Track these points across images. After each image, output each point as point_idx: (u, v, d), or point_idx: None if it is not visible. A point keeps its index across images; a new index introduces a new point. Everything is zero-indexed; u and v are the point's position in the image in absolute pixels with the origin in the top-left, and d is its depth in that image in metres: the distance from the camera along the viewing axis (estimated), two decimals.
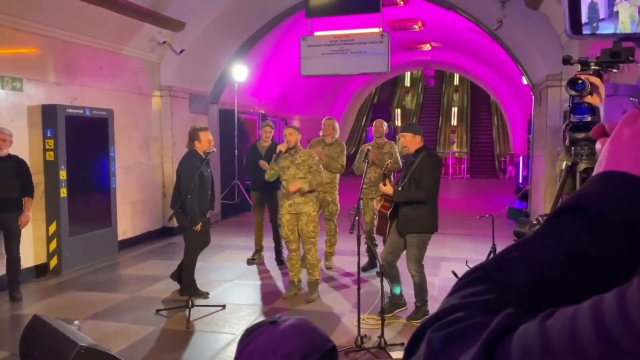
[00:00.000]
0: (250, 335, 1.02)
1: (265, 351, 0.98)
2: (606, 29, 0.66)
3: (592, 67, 2.41)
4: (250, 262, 7.16)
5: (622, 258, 0.49)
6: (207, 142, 5.49)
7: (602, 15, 0.66)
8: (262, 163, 6.68)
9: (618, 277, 0.47)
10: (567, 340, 0.40)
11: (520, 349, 0.42)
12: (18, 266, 5.72)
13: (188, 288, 5.42)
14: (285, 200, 5.56)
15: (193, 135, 5.53)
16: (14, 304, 5.55)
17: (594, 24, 0.66)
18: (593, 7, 0.66)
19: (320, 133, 6.82)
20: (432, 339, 0.48)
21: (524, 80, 10.56)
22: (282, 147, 5.56)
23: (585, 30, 0.66)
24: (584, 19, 0.66)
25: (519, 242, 0.54)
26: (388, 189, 4.71)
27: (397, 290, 4.95)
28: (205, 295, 5.73)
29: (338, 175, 6.66)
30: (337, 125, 6.79)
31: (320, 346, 1.00)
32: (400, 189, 4.75)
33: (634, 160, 0.51)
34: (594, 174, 0.55)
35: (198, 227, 5.40)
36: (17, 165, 5.61)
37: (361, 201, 4.77)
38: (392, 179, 4.94)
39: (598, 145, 0.61)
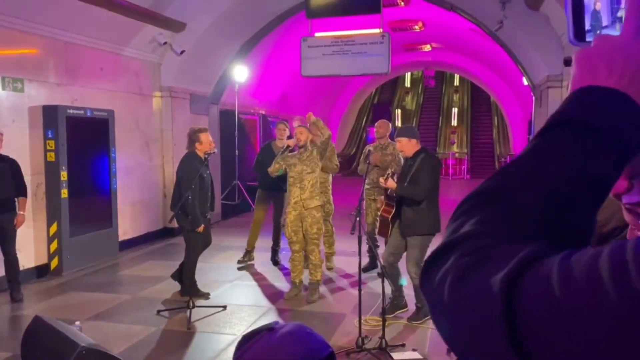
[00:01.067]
0: (247, 343, 1.02)
1: (266, 358, 0.98)
2: (614, 31, 0.66)
3: None
4: (240, 263, 7.08)
5: (617, 169, 0.51)
6: (208, 144, 5.51)
7: (605, 22, 0.66)
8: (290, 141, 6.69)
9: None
10: (588, 280, 0.41)
11: (543, 282, 0.42)
12: (16, 266, 5.71)
13: (189, 289, 5.43)
14: (292, 199, 5.56)
15: (193, 137, 5.52)
16: (15, 304, 5.55)
17: (597, 31, 0.66)
18: (596, 15, 0.66)
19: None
20: (458, 264, 0.48)
21: (525, 81, 10.57)
22: (290, 142, 5.60)
23: (589, 37, 0.66)
24: (587, 26, 0.66)
25: (518, 160, 0.54)
26: (391, 183, 4.70)
27: (403, 282, 4.94)
28: (206, 295, 5.73)
29: (330, 176, 6.67)
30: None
31: (318, 353, 0.99)
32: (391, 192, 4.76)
33: (605, 72, 0.53)
34: (569, 91, 0.56)
35: (201, 228, 5.41)
36: (9, 166, 5.56)
37: (363, 202, 4.78)
38: (395, 178, 4.93)
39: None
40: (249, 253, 7.18)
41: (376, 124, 6.66)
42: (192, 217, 5.34)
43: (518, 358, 0.42)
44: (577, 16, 0.66)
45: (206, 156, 5.48)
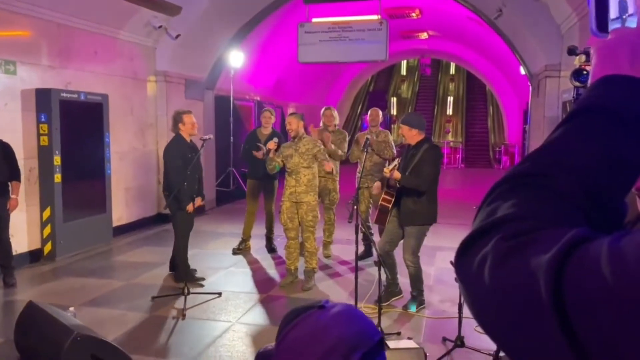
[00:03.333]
0: (296, 320, 0.98)
1: (313, 337, 0.94)
2: (634, 22, 0.66)
3: None
4: (235, 251, 7.04)
5: None
6: (191, 125, 5.57)
7: (630, 10, 0.66)
8: (257, 154, 6.58)
9: None
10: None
11: (594, 264, 0.42)
12: (9, 251, 5.66)
13: (183, 274, 5.40)
14: (287, 189, 5.51)
15: (177, 119, 5.61)
16: (7, 289, 5.51)
17: (624, 18, 0.66)
18: (622, 4, 0.66)
19: (321, 123, 6.78)
20: (500, 247, 0.47)
21: (522, 70, 10.53)
22: (270, 146, 5.50)
23: (613, 27, 0.66)
24: (613, 14, 0.66)
25: (547, 146, 0.55)
26: (397, 175, 4.67)
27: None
28: (200, 280, 5.71)
29: (338, 164, 6.64)
30: (336, 114, 6.76)
31: (369, 338, 0.94)
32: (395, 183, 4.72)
33: (628, 61, 0.55)
34: (590, 80, 0.58)
35: (190, 207, 5.37)
36: (1, 149, 5.48)
37: (359, 190, 4.75)
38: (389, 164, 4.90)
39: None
40: (244, 242, 7.14)
41: (370, 112, 6.63)
42: (181, 197, 5.31)
43: (566, 340, 0.41)
44: (600, 6, 0.66)
45: (202, 141, 5.42)
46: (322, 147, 5.57)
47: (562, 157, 0.53)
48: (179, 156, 5.39)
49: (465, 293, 0.51)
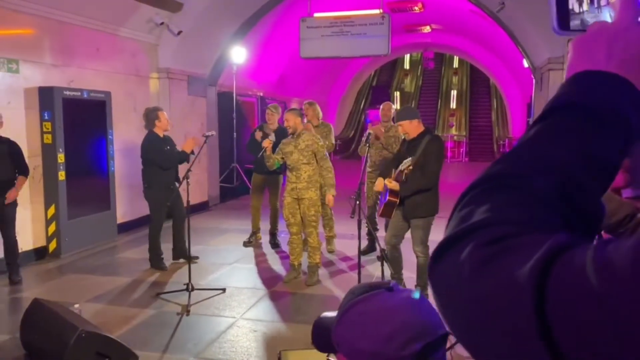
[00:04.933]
0: (364, 295, 0.96)
1: (377, 317, 0.92)
2: (607, 16, 0.64)
3: None
4: (246, 244, 7.17)
5: (622, 153, 0.51)
6: (166, 122, 6.04)
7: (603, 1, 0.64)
8: (258, 133, 6.80)
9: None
10: (633, 270, 0.38)
11: (578, 272, 0.39)
12: (15, 249, 5.70)
13: (154, 258, 6.07)
14: (288, 184, 5.52)
15: (151, 116, 6.04)
16: (13, 287, 5.55)
17: (589, 18, 0.64)
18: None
19: (305, 119, 6.80)
20: (476, 254, 0.45)
21: (525, 63, 10.48)
22: (265, 144, 5.58)
23: (575, 25, 0.64)
24: (577, 8, 0.64)
25: (522, 146, 0.53)
26: (394, 185, 4.65)
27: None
28: (195, 259, 6.05)
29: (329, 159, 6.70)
30: (317, 108, 6.83)
31: (433, 330, 0.91)
32: (404, 178, 4.68)
33: (604, 56, 0.54)
34: (566, 75, 0.56)
35: (189, 145, 5.94)
36: (7, 148, 5.51)
37: (363, 186, 4.74)
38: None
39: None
40: (254, 234, 7.26)
41: (382, 107, 6.59)
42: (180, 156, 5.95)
43: (549, 353, 0.39)
44: (560, 4, 0.64)
45: (204, 138, 5.65)
46: (322, 142, 5.54)
47: (538, 157, 0.51)
48: (159, 149, 5.90)
49: (439, 304, 0.48)
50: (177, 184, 6.03)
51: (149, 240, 6.18)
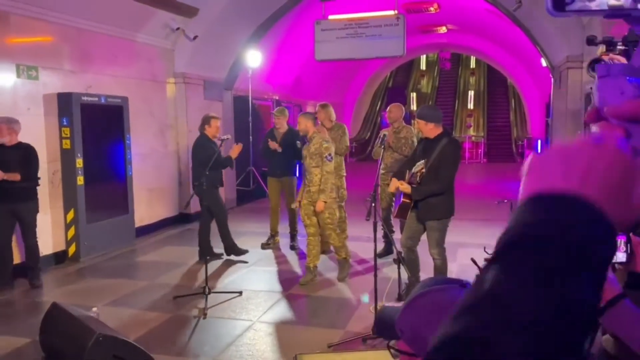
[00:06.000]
0: (439, 285, 1.00)
1: (447, 307, 0.93)
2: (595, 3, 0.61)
3: (619, 47, 2.31)
4: (264, 246, 7.22)
5: (596, 289, 0.45)
6: (216, 128, 6.42)
7: None
8: (272, 143, 6.90)
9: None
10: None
11: None
12: (36, 254, 5.76)
13: (205, 249, 6.29)
14: (303, 187, 5.63)
15: (205, 121, 6.50)
16: (34, 290, 5.63)
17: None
18: None
19: (319, 122, 6.79)
20: None
21: (543, 62, 10.35)
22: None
23: (573, 7, 0.61)
24: None
25: (481, 299, 0.45)
26: (406, 188, 4.62)
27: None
28: (220, 256, 6.57)
29: (343, 161, 6.69)
30: (330, 110, 6.71)
31: None
32: (418, 180, 4.64)
33: (560, 173, 0.49)
34: (520, 196, 0.50)
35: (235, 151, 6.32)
36: (24, 153, 5.51)
37: (378, 188, 4.70)
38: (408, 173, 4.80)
39: (594, 128, 0.59)
40: (273, 237, 7.31)
41: (388, 109, 6.58)
42: (225, 162, 6.37)
43: None
44: None
45: (220, 141, 6.00)
46: (326, 144, 5.49)
47: (507, 311, 0.42)
48: (204, 149, 6.20)
49: None
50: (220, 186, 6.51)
51: (199, 235, 6.49)
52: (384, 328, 1.04)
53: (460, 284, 0.99)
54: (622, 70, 0.62)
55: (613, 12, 0.61)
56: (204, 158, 5.98)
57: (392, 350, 1.01)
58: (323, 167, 5.45)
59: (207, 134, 6.38)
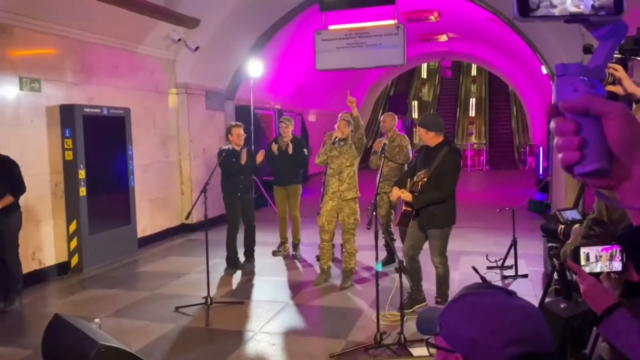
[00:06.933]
0: (483, 289, 1.01)
1: (490, 309, 0.95)
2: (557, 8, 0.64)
3: (615, 56, 2.33)
4: (275, 253, 7.36)
5: None
6: (237, 136, 6.50)
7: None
8: (274, 146, 7.07)
9: None
10: None
11: None
12: (15, 272, 5.34)
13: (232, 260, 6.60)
14: (330, 189, 5.71)
15: (227, 130, 6.74)
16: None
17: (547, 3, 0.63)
18: None
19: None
20: None
21: (544, 70, 10.37)
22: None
23: (537, 13, 0.63)
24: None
25: None
26: (407, 196, 4.62)
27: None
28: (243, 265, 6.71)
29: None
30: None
31: (541, 343, 0.92)
32: (419, 189, 4.64)
33: None
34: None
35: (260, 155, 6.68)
36: (6, 167, 5.23)
37: (378, 196, 4.71)
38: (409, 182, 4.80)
39: (552, 124, 0.63)
40: (283, 244, 7.44)
41: (381, 118, 6.59)
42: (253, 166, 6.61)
43: None
44: None
45: (240, 149, 6.46)
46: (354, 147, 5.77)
47: None
48: (224, 157, 6.29)
49: None
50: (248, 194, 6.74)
51: (226, 242, 6.65)
52: (424, 322, 1.06)
53: (507, 292, 1.00)
54: (577, 71, 0.65)
55: (573, 18, 0.64)
56: (221, 167, 6.28)
57: (429, 346, 1.03)
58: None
59: (231, 142, 6.54)
